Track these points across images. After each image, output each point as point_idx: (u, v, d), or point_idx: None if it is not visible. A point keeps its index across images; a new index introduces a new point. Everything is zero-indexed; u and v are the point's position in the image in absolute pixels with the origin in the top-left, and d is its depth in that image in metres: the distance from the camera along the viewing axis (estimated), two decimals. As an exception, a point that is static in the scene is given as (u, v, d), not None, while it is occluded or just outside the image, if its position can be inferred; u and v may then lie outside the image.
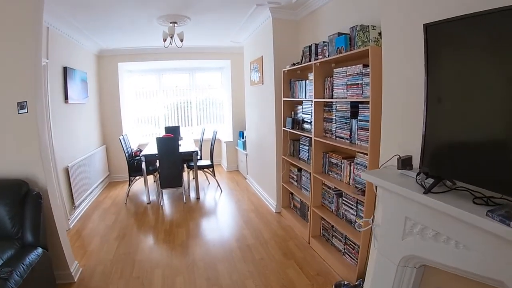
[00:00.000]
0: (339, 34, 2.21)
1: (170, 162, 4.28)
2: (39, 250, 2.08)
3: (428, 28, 1.22)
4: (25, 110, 2.20)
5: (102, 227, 3.62)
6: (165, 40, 3.90)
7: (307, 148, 3.10)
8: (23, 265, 1.87)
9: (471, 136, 1.12)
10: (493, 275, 1.00)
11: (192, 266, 2.69)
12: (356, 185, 2.25)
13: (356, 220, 2.25)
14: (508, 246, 0.91)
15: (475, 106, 1.08)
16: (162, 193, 4.48)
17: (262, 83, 4.13)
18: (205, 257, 2.86)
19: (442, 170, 1.22)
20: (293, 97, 3.35)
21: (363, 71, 1.99)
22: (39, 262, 2.03)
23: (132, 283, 2.48)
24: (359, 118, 2.15)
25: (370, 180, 1.52)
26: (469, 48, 1.09)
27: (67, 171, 3.79)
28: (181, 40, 3.94)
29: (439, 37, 1.19)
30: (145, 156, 4.32)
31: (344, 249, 2.48)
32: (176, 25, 3.83)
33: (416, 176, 1.31)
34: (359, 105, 2.13)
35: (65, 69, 3.88)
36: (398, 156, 1.46)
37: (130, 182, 4.57)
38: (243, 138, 5.70)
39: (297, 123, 3.31)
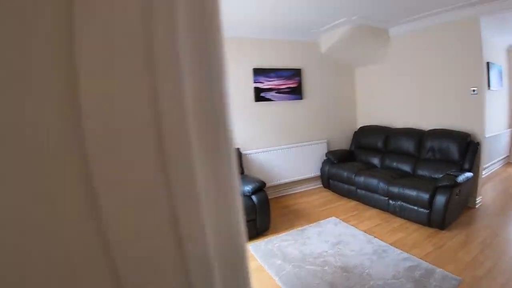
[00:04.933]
0: None
1: None
2: (470, 174, 3.33)
3: None
4: (475, 93, 3.55)
5: (498, 187, 4.50)
6: None
7: None
8: (462, 176, 3.13)
9: None
10: None
11: None
12: None
13: None
14: None
15: None
16: None
17: None
18: None
19: None
20: None
21: None
22: (468, 181, 3.32)
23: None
24: None
25: None
26: None
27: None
28: None
29: None
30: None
31: None
32: None
33: None
34: None
35: (487, 64, 4.79)
36: None
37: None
38: None
39: None
